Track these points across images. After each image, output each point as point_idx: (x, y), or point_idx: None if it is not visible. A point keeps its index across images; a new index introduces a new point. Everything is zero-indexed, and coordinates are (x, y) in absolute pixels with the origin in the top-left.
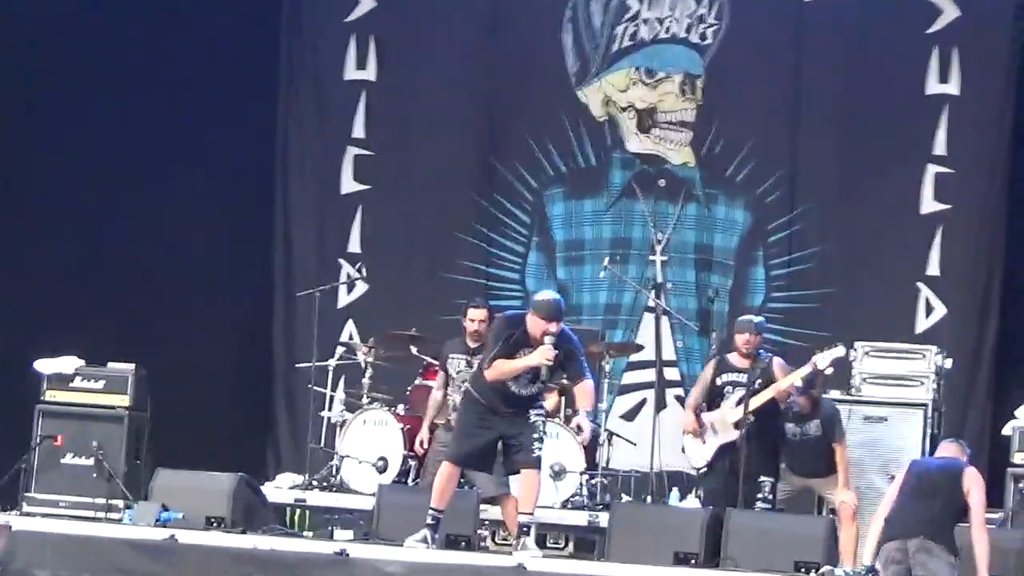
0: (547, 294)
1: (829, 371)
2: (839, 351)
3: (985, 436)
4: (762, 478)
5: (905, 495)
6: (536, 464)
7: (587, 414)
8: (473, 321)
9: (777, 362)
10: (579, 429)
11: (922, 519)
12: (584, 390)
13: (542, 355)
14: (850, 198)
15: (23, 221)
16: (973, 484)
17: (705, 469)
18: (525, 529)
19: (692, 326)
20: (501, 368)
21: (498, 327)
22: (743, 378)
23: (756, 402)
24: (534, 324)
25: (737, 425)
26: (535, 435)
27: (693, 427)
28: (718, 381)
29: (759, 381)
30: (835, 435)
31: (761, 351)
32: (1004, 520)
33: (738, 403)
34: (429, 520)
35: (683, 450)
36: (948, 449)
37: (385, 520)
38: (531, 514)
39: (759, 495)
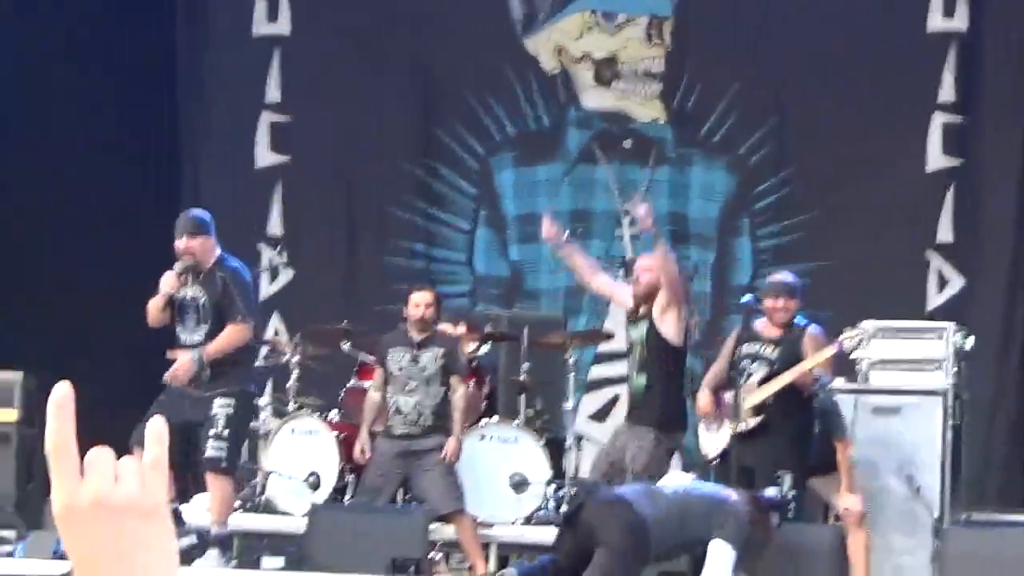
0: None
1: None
2: (865, 331)
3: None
4: (779, 472)
5: None
6: (211, 466)
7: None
8: (418, 306)
9: (811, 333)
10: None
11: None
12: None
13: (164, 279)
14: (846, 155)
15: None
16: None
17: (718, 461)
18: (214, 538)
19: None
20: (149, 308)
21: None
22: (767, 351)
23: (775, 385)
24: None
25: (758, 411)
26: (212, 430)
27: (706, 408)
28: (737, 353)
29: (781, 358)
30: (835, 429)
31: (801, 319)
32: None
33: (760, 383)
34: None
35: (697, 438)
36: None
37: (320, 545)
38: (219, 523)
39: None
